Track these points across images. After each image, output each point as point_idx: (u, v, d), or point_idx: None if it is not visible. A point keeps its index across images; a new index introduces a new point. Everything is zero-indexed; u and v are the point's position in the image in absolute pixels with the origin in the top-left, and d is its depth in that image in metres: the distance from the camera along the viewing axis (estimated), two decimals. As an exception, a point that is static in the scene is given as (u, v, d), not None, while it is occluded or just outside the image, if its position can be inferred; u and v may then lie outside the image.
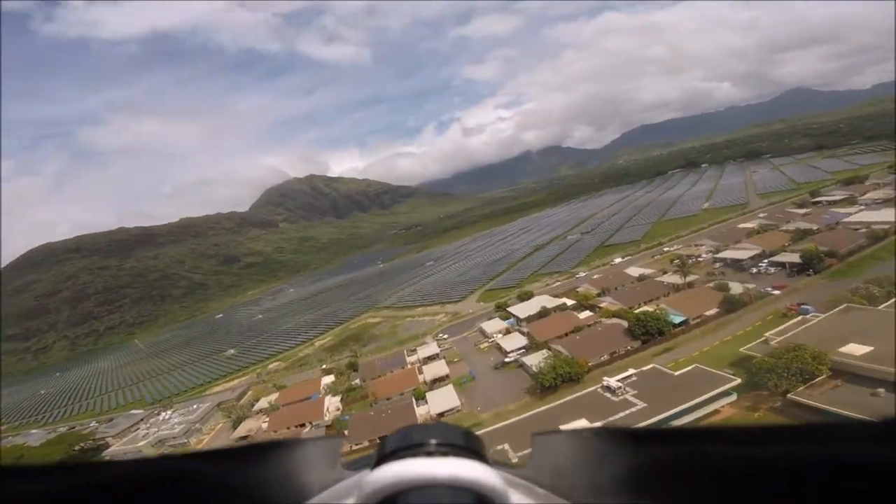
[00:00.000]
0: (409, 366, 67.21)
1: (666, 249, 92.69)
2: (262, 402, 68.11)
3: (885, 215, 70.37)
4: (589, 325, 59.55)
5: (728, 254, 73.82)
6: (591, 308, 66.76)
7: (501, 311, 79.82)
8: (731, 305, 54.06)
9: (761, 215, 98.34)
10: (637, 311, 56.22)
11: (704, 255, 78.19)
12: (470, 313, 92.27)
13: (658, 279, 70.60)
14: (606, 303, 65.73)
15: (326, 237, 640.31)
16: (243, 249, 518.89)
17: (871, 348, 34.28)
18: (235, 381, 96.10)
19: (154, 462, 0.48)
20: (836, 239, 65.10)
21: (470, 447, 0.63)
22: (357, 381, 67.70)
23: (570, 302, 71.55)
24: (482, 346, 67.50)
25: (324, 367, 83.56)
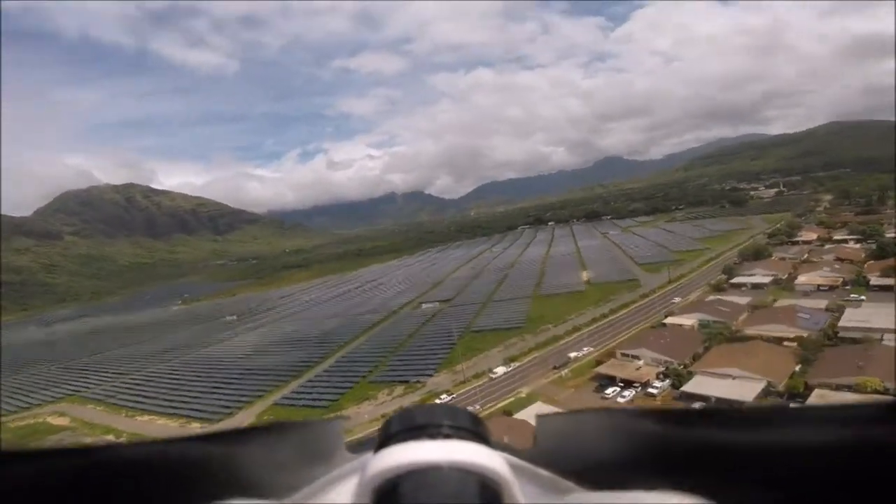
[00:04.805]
0: None
1: (573, 355, 56.61)
2: None
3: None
4: None
5: (701, 387, 41.43)
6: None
7: None
8: None
9: (676, 300, 73.60)
10: None
11: (658, 384, 44.76)
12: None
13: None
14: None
15: (128, 259, 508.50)
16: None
17: None
18: None
19: (159, 444, 0.49)
20: (869, 361, 37.13)
21: (473, 430, 0.60)
22: None
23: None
24: None
25: None
